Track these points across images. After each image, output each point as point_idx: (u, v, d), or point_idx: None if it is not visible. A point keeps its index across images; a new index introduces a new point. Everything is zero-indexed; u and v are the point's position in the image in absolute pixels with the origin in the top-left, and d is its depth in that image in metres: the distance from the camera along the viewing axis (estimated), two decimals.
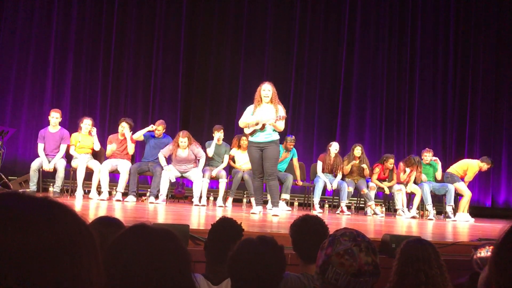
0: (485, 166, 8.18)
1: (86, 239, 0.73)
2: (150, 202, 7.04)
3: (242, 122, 6.01)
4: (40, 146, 7.32)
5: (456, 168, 8.29)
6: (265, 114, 5.83)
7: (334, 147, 8.07)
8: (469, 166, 8.19)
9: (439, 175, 8.33)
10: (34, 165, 7.07)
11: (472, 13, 10.52)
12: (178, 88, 9.44)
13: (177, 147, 7.30)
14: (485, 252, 2.40)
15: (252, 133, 5.90)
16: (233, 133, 8.93)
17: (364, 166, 8.07)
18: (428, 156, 8.32)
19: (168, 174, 7.17)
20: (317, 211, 7.56)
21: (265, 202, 6.58)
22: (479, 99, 10.42)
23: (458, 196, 8.27)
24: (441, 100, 10.40)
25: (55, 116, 7.34)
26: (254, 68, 9.70)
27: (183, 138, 7.26)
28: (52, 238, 0.67)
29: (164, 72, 9.47)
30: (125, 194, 7.19)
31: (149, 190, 7.37)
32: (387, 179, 8.22)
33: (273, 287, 1.74)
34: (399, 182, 8.11)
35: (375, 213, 7.77)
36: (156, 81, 9.40)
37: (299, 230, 2.43)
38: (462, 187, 8.09)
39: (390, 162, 8.16)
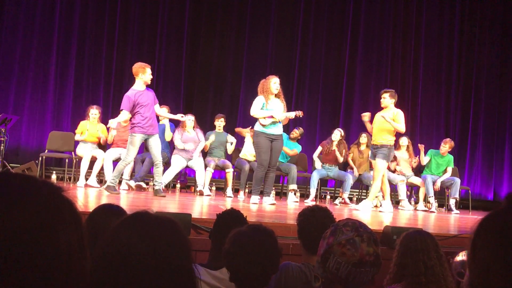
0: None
1: (66, 215, 0.73)
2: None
3: (260, 115, 6.03)
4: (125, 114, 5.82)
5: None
6: (278, 108, 6.07)
7: (336, 134, 8.09)
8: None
9: (450, 169, 8.16)
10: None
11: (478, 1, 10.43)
12: (181, 76, 9.41)
13: (183, 129, 7.41)
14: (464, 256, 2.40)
15: (270, 124, 6.04)
16: (236, 119, 8.89)
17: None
18: (445, 147, 8.11)
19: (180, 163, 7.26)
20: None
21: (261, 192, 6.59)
22: (483, 91, 10.35)
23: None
24: (445, 91, 10.33)
25: (149, 72, 5.93)
26: (258, 57, 9.66)
27: (191, 116, 7.46)
28: (26, 214, 0.68)
29: (167, 60, 9.43)
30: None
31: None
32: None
33: (270, 274, 1.76)
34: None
35: (381, 205, 7.72)
36: (160, 68, 9.36)
37: (307, 219, 2.42)
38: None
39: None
